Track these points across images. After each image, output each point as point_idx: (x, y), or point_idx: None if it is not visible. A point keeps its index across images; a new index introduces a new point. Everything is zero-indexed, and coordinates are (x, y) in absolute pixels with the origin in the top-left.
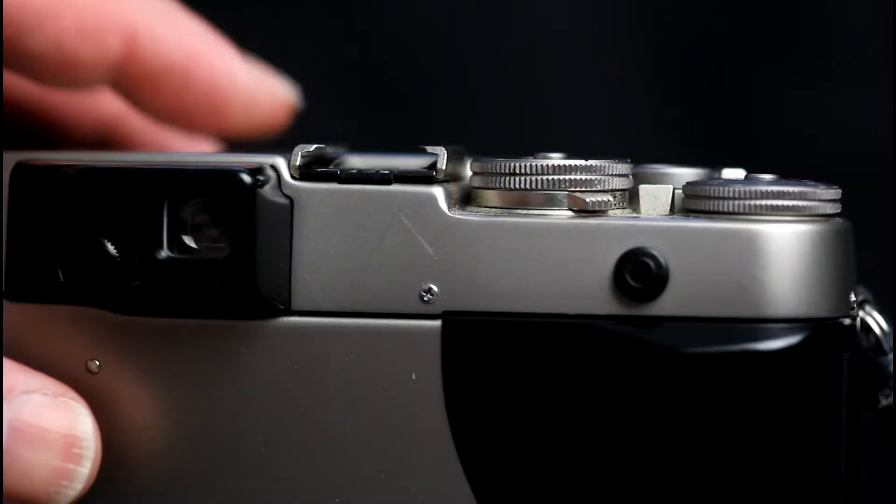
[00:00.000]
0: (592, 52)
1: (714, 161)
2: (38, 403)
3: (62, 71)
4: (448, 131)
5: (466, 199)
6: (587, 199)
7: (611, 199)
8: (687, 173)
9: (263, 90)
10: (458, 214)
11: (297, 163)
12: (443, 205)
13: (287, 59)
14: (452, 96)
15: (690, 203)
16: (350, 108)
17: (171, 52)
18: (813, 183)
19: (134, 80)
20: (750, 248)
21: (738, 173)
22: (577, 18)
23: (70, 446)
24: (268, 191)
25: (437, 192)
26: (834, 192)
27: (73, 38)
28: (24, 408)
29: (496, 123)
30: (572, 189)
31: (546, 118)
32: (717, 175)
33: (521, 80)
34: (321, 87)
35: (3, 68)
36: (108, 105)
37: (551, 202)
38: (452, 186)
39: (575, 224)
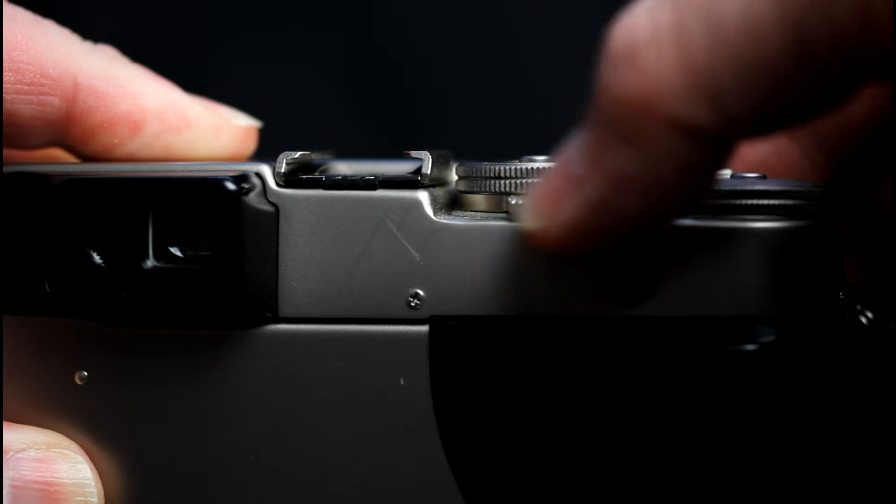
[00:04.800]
0: (577, 55)
1: None
2: (35, 459)
3: (5, 130)
4: (433, 136)
5: (452, 203)
6: None
7: None
8: None
9: (222, 123)
10: (443, 219)
11: (282, 170)
12: (428, 210)
13: (272, 68)
14: (437, 101)
15: None
16: (335, 115)
17: (115, 105)
18: (799, 182)
19: (78, 136)
20: (737, 247)
21: (724, 172)
22: (565, 23)
23: (75, 495)
24: (253, 198)
25: (423, 196)
26: (820, 191)
27: (11, 96)
28: (22, 466)
29: (481, 127)
30: None
31: (531, 122)
32: None
33: (506, 84)
34: (307, 94)
35: None
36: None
37: None
38: (438, 191)
39: None
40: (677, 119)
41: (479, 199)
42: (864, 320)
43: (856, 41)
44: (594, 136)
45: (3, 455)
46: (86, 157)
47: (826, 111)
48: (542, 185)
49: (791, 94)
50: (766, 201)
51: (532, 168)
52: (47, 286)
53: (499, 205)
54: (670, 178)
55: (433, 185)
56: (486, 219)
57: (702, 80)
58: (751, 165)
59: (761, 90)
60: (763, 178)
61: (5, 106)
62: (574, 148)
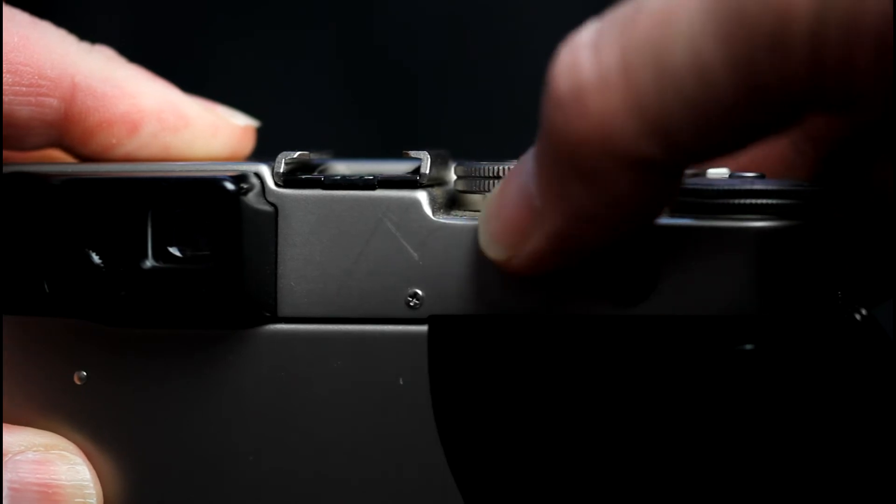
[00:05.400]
0: None
1: None
2: (33, 461)
3: (4, 132)
4: (432, 136)
5: (451, 203)
6: None
7: None
8: None
9: (220, 122)
10: (442, 218)
11: (281, 170)
12: (427, 209)
13: (272, 68)
14: (437, 101)
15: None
16: (334, 115)
17: (113, 105)
18: (797, 181)
19: (76, 137)
20: (735, 246)
21: (722, 172)
22: (565, 23)
23: (74, 497)
24: (252, 198)
25: (422, 196)
26: (818, 190)
27: (10, 98)
28: (20, 468)
29: (481, 127)
30: None
31: (531, 122)
32: (701, 174)
33: (506, 84)
34: (306, 94)
35: None
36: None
37: None
38: (437, 191)
39: None
40: (631, 157)
41: (477, 199)
42: (858, 318)
43: (806, 81)
44: (548, 173)
45: (2, 457)
46: (84, 158)
47: (776, 135)
48: (504, 216)
49: (740, 126)
50: (763, 201)
51: None
52: (46, 286)
53: None
54: (627, 210)
55: (432, 185)
56: None
57: (652, 118)
58: (739, 158)
59: (711, 124)
60: (761, 177)
61: (4, 107)
62: (531, 178)
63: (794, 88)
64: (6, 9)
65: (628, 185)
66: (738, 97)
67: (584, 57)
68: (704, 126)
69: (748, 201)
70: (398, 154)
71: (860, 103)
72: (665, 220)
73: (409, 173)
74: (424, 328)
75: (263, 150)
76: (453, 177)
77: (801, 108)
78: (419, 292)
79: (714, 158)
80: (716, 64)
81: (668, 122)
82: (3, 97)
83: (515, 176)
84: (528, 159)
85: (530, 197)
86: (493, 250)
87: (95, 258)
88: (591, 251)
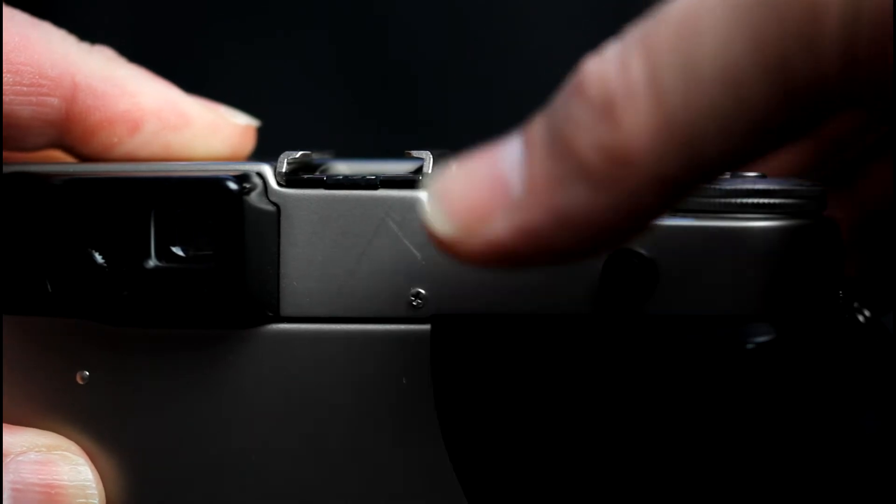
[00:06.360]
0: (578, 54)
1: None
2: (35, 461)
3: (4, 132)
4: (433, 136)
5: None
6: None
7: None
8: None
9: (221, 121)
10: None
11: (283, 170)
12: None
13: (272, 68)
14: (437, 101)
15: None
16: (335, 115)
17: (114, 104)
18: (798, 181)
19: (77, 136)
20: (736, 246)
21: None
22: (565, 23)
23: (76, 497)
24: (254, 198)
25: (424, 196)
26: (819, 190)
27: (11, 98)
28: (22, 469)
29: (481, 127)
30: None
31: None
32: None
33: (506, 84)
34: (307, 94)
35: None
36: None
37: None
38: None
39: None
40: (652, 174)
41: None
42: (861, 318)
43: (839, 78)
44: (547, 168)
45: (4, 458)
46: (85, 157)
47: (803, 137)
48: (467, 192)
49: (770, 132)
50: (764, 200)
51: None
52: (49, 286)
53: None
54: (624, 221)
55: None
56: None
57: (680, 134)
58: None
59: (739, 135)
60: (763, 177)
61: (5, 107)
62: (514, 164)
63: (827, 88)
64: (6, 9)
65: (641, 197)
66: (770, 102)
67: (611, 65)
68: (733, 137)
69: (750, 201)
70: (400, 154)
71: (891, 96)
72: (666, 220)
73: (411, 173)
74: (427, 328)
75: (264, 150)
76: None
77: (833, 107)
78: (422, 292)
79: (738, 168)
80: (747, 69)
81: (696, 135)
82: (4, 97)
83: (490, 159)
84: (513, 146)
85: (506, 185)
86: (440, 225)
87: (98, 258)
88: (559, 258)
